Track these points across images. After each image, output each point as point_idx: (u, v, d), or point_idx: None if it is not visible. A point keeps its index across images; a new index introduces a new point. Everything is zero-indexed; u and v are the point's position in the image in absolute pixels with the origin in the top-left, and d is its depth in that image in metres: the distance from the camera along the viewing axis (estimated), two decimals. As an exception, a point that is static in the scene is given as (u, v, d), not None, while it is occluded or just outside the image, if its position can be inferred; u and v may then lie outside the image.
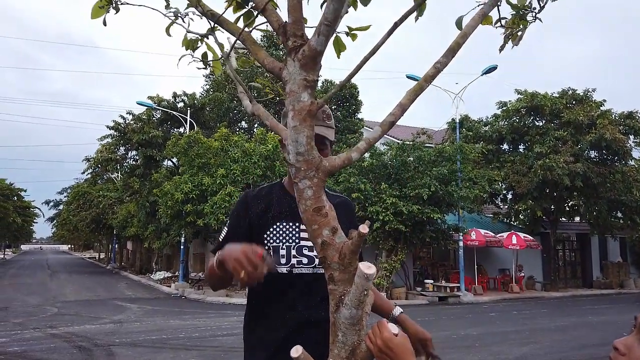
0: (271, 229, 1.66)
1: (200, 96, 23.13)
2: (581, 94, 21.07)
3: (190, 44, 1.49)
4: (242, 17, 1.42)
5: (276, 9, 1.36)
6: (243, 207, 1.69)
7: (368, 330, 1.26)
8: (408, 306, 15.71)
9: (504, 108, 21.77)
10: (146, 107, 21.88)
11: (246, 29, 1.36)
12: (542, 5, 1.72)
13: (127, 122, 22.59)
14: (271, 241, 1.65)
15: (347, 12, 1.37)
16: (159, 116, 22.85)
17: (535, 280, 22.00)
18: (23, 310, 13.03)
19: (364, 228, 1.23)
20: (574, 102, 20.94)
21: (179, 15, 1.52)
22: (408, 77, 18.39)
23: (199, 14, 1.37)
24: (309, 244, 1.64)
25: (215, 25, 1.37)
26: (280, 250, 1.64)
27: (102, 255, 51.36)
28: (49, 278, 25.54)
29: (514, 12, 1.73)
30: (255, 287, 1.72)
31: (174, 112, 21.65)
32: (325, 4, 1.14)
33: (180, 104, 22.44)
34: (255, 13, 1.34)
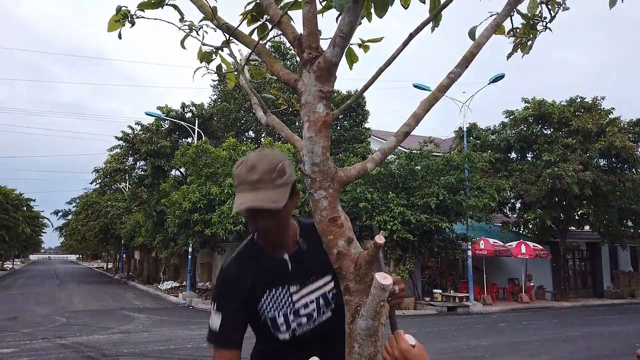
0: (262, 300, 1.56)
1: (208, 106, 23.27)
2: (590, 102, 20.97)
3: (205, 57, 1.51)
4: (256, 29, 1.44)
5: (290, 21, 1.38)
6: (230, 289, 1.56)
7: (384, 341, 1.25)
8: (417, 316, 15.60)
9: (511, 117, 21.71)
10: (155, 118, 22.04)
11: (261, 42, 1.38)
12: (552, 15, 1.73)
13: (135, 132, 22.74)
14: (266, 312, 1.55)
15: (360, 23, 1.39)
16: (167, 126, 23.01)
17: (545, 290, 21.76)
18: (32, 320, 13.08)
19: (379, 239, 1.23)
20: (582, 110, 20.82)
21: (194, 28, 1.54)
22: (415, 86, 18.42)
23: (214, 27, 1.38)
24: (304, 301, 1.57)
25: (230, 37, 1.38)
26: (278, 319, 1.55)
27: (110, 265, 51.51)
28: (57, 288, 25.62)
29: (525, 22, 1.74)
30: (258, 349, 1.68)
31: (182, 123, 21.79)
32: (341, 16, 1.15)
33: (189, 114, 22.58)
34: (269, 26, 1.36)
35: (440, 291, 18.17)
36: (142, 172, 23.06)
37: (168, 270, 28.25)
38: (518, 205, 22.65)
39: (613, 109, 20.84)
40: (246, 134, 24.08)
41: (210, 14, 1.34)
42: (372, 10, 1.12)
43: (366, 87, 1.24)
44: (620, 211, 20.27)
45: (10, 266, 53.23)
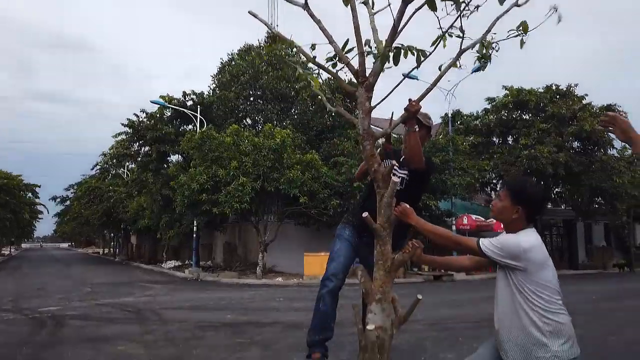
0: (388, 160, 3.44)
1: (208, 95, 24.50)
2: (564, 89, 22.64)
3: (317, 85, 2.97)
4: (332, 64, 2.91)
5: (350, 60, 2.84)
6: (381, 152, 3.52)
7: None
8: (406, 284, 17.24)
9: (492, 103, 23.32)
10: (158, 106, 23.27)
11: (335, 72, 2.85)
12: (490, 53, 3.18)
13: (140, 119, 23.97)
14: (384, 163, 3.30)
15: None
16: (169, 114, 24.26)
17: (524, 263, 23.56)
18: (60, 290, 14.18)
19: (395, 178, 2.73)
20: (557, 97, 22.49)
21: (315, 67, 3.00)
22: (404, 75, 19.86)
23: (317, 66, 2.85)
24: (397, 172, 3.46)
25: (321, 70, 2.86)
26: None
27: (106, 251, 52.75)
28: (66, 268, 26.92)
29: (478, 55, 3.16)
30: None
31: (185, 110, 23.06)
32: (374, 64, 2.62)
33: (190, 102, 23.83)
34: (339, 65, 2.83)
35: (427, 263, 19.84)
36: (147, 158, 24.27)
37: (168, 252, 29.60)
38: (499, 186, 24.37)
39: (586, 95, 22.57)
40: (244, 120, 25.35)
41: (311, 59, 2.81)
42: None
43: (386, 96, 2.71)
44: (592, 190, 22.06)
45: (8, 252, 54.10)
